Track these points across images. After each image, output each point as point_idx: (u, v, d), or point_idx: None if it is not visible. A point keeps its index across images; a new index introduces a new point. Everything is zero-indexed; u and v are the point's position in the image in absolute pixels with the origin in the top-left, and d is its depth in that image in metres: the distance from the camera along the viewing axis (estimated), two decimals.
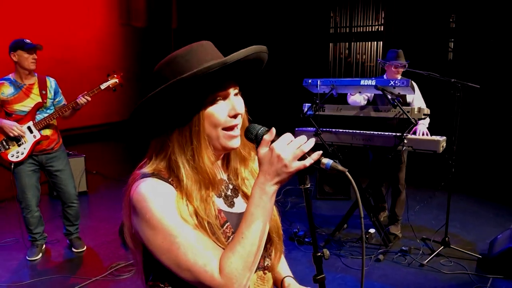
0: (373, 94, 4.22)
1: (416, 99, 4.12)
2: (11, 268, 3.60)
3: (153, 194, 1.03)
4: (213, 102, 1.07)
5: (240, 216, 1.10)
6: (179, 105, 1.06)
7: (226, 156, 1.21)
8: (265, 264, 1.21)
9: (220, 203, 1.14)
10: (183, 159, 1.07)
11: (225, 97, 1.09)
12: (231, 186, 1.20)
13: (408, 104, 4.09)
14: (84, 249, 3.88)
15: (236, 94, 1.11)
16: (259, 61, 1.13)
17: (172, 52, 1.11)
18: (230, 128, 1.09)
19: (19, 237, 4.01)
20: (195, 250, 1.00)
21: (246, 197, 1.20)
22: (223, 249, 1.04)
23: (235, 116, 1.09)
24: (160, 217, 1.01)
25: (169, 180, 1.07)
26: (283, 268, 1.37)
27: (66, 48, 8.64)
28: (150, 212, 1.01)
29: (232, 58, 1.01)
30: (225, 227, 1.10)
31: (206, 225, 1.04)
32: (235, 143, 1.11)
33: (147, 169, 1.10)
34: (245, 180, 1.22)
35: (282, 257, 1.33)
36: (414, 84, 4.05)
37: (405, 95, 4.03)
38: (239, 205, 1.19)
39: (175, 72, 1.05)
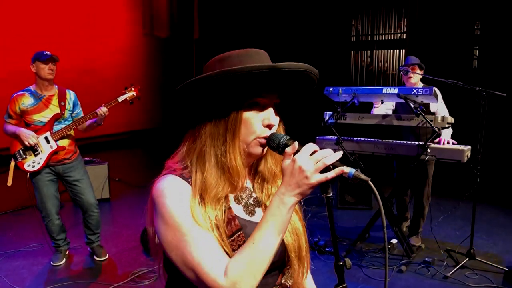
0: (394, 103, 4.18)
1: (440, 108, 4.04)
2: (36, 273, 3.68)
3: (170, 190, 1.06)
4: (252, 106, 1.08)
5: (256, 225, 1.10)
6: (220, 99, 1.07)
7: (255, 167, 1.21)
8: (282, 282, 1.19)
9: (238, 210, 1.14)
10: (212, 153, 1.09)
11: (264, 105, 1.10)
12: (254, 195, 1.20)
13: (433, 113, 4.01)
14: (106, 257, 3.91)
15: (273, 107, 1.12)
16: (308, 81, 1.12)
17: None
18: (264, 137, 1.10)
19: (44, 242, 4.10)
20: (201, 251, 1.01)
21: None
22: (230, 256, 1.03)
23: (269, 127, 1.10)
24: (173, 212, 1.03)
25: (189, 180, 1.08)
26: (308, 283, 1.33)
27: (90, 58, 8.86)
28: (164, 207, 1.04)
29: (286, 65, 1.03)
30: (236, 235, 1.08)
31: (214, 227, 1.04)
32: (259, 151, 1.12)
33: (175, 162, 1.13)
34: (270, 196, 1.20)
35: (308, 273, 1.31)
36: (438, 91, 3.98)
37: (428, 104, 3.97)
38: (260, 215, 1.17)
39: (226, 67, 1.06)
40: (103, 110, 3.58)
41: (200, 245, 1.01)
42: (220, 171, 1.09)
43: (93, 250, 3.95)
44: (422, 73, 4.05)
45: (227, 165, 1.09)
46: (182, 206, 1.04)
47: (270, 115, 1.10)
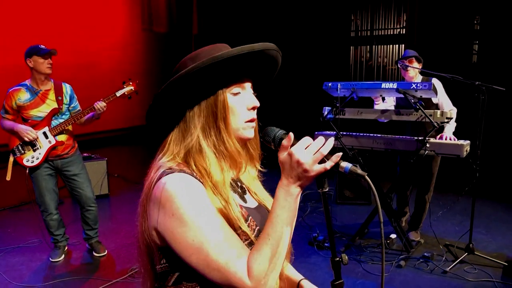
0: (394, 99, 4.16)
1: (441, 99, 4.00)
2: (35, 269, 3.67)
3: (184, 189, 1.02)
4: (235, 93, 1.11)
5: (255, 210, 1.14)
6: (205, 90, 1.09)
7: None
8: None
9: (237, 199, 1.15)
10: (210, 144, 1.10)
11: (245, 90, 1.13)
12: (239, 184, 1.22)
13: (436, 105, 3.99)
14: (105, 253, 3.91)
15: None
16: (273, 62, 1.17)
17: None
18: (251, 120, 1.14)
19: (43, 238, 4.10)
20: (226, 250, 0.99)
21: (255, 194, 1.23)
22: (249, 246, 1.04)
23: (253, 108, 1.14)
24: (193, 213, 1.00)
25: (194, 175, 1.07)
26: (291, 271, 1.36)
27: (89, 53, 8.82)
28: (181, 208, 1.00)
29: (262, 45, 1.07)
30: (249, 220, 1.11)
31: (233, 214, 1.05)
32: (251, 133, 1.15)
33: (167, 161, 1.10)
34: (253, 179, 1.25)
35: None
36: (438, 83, 3.94)
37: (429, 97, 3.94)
38: (250, 200, 1.21)
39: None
40: (101, 105, 3.57)
41: (225, 245, 1.00)
42: (221, 159, 1.11)
43: (91, 246, 3.95)
44: (420, 66, 4.02)
45: (228, 151, 1.11)
46: (200, 204, 1.02)
47: (252, 98, 1.14)
